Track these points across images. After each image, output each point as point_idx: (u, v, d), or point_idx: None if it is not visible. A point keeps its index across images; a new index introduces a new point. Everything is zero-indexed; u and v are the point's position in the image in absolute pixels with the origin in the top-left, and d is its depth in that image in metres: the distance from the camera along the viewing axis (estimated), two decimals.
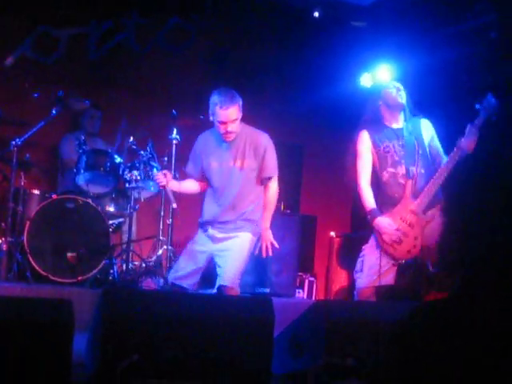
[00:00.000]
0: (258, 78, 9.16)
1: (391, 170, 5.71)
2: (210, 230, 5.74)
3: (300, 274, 7.90)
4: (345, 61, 9.21)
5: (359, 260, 5.83)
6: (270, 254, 5.67)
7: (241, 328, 3.78)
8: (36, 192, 7.23)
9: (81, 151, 7.00)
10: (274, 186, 5.75)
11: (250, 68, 9.12)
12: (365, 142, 5.82)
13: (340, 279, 8.06)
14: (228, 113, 5.43)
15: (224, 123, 5.45)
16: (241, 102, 5.56)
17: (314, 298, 7.95)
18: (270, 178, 5.72)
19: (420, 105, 6.14)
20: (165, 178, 5.70)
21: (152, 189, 7.16)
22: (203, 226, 5.82)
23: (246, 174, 5.65)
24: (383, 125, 5.83)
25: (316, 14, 8.95)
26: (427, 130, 5.85)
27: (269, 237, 5.66)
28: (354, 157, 5.89)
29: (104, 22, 8.44)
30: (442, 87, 8.22)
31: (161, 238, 7.18)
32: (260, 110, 9.05)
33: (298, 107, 8.96)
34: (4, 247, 6.62)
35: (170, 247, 6.99)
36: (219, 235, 5.71)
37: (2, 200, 7.22)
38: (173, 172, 7.14)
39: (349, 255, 7.99)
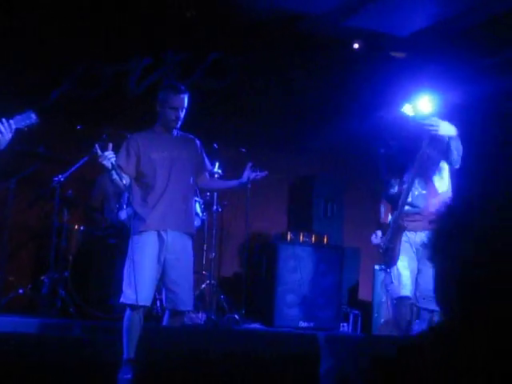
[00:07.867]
0: (299, 110, 9.16)
1: None
2: None
3: (344, 307, 7.80)
4: (386, 91, 9.17)
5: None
6: None
7: (286, 364, 3.72)
8: (79, 228, 7.26)
9: None
10: None
11: (292, 100, 9.12)
12: None
13: (385, 312, 7.93)
14: (182, 98, 5.58)
15: (176, 109, 5.57)
16: None
17: (359, 331, 7.83)
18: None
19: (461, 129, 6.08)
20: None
21: (195, 223, 7.15)
22: None
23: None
24: None
25: (356, 46, 8.94)
26: None
27: None
28: None
29: (144, 57, 8.53)
30: (483, 116, 8.16)
31: (204, 272, 7.14)
32: (300, 142, 9.05)
33: (338, 139, 8.92)
34: (47, 283, 6.64)
35: (213, 281, 6.96)
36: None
37: (45, 236, 7.25)
38: (215, 206, 7.14)
39: None
